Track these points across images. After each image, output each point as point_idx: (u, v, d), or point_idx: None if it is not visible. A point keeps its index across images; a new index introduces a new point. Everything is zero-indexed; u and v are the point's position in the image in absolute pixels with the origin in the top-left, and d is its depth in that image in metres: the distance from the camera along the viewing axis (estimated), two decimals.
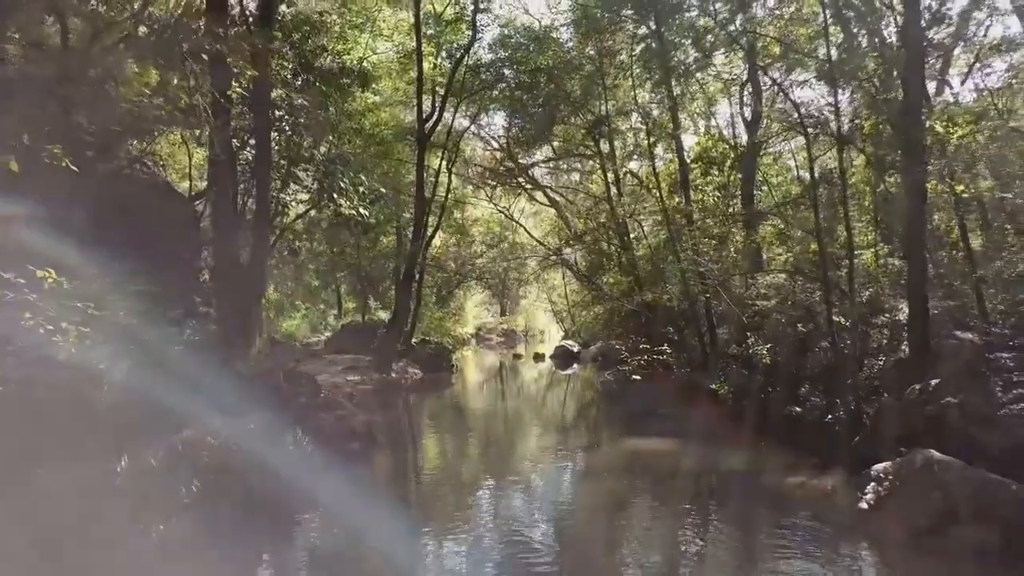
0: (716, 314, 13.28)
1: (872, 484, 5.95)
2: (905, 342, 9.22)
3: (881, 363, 9.83)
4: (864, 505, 5.85)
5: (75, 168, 6.07)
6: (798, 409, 9.51)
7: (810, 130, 10.59)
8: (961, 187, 8.34)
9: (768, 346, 10.60)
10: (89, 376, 5.70)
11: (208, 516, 5.67)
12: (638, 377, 14.00)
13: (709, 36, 14.48)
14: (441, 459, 9.93)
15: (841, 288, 9.52)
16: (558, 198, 32.06)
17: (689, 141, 22.64)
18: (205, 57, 8.90)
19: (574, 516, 6.97)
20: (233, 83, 8.87)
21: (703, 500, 7.48)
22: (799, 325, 11.03)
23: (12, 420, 4.99)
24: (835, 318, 9.27)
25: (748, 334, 11.29)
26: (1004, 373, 6.27)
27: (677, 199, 15.40)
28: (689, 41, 14.56)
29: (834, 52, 10.23)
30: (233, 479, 6.30)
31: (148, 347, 6.77)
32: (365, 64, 16.42)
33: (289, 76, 11.35)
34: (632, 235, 18.86)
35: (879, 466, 6.10)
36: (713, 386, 11.00)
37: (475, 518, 6.78)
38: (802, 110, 10.58)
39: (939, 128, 8.89)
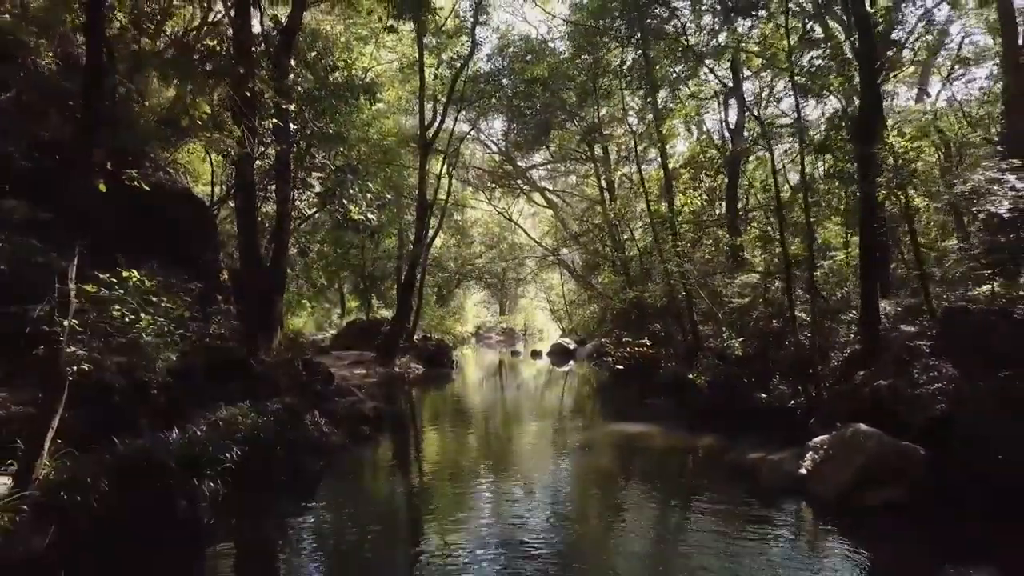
0: (699, 311, 14.30)
1: (810, 453, 6.98)
2: None
3: (845, 354, 10.87)
4: (803, 471, 6.87)
5: (113, 175, 6.97)
6: (764, 396, 10.50)
7: (772, 142, 11.65)
8: (903, 197, 9.32)
9: (740, 340, 11.61)
10: (145, 361, 6.71)
11: (246, 478, 6.73)
12: (621, 367, 15.03)
13: (691, 53, 15.47)
14: (441, 439, 10.97)
15: (801, 287, 10.53)
16: (556, 200, 33.15)
17: (682, 146, 23.78)
18: (228, 80, 9.94)
19: (555, 477, 8.00)
20: (256, 104, 9.86)
21: (669, 470, 8.60)
22: (774, 321, 12.06)
23: (88, 397, 6.01)
24: (798, 314, 10.28)
25: (723, 329, 12.30)
26: (923, 359, 7.29)
27: (663, 203, 16.40)
28: (671, 60, 15.56)
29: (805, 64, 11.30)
30: (263, 450, 7.34)
31: (189, 338, 7.77)
32: (371, 74, 17.46)
33: (303, 91, 12.36)
34: (624, 236, 19.86)
35: (817, 439, 7.13)
36: (691, 376, 12.02)
37: (471, 483, 7.81)
38: (768, 125, 11.63)
39: (892, 141, 9.91)
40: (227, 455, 6.52)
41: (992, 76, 16.44)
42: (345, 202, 11.98)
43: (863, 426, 6.72)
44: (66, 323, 4.97)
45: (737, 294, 12.37)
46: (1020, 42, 11.25)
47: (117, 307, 5.74)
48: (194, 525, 5.88)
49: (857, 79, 10.01)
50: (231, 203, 15.21)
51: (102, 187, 5.34)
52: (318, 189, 12.62)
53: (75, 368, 5.21)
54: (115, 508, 5.42)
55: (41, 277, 6.32)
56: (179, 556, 5.50)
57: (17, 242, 5.42)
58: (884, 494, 6.15)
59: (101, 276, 5.66)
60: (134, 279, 5.97)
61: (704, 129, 22.72)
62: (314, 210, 16.81)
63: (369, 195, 13.18)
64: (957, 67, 17.57)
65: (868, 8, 9.76)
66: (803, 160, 10.39)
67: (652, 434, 10.47)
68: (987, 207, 7.17)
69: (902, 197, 9.20)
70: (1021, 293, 7.48)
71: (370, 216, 13.26)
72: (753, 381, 11.58)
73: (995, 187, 7.23)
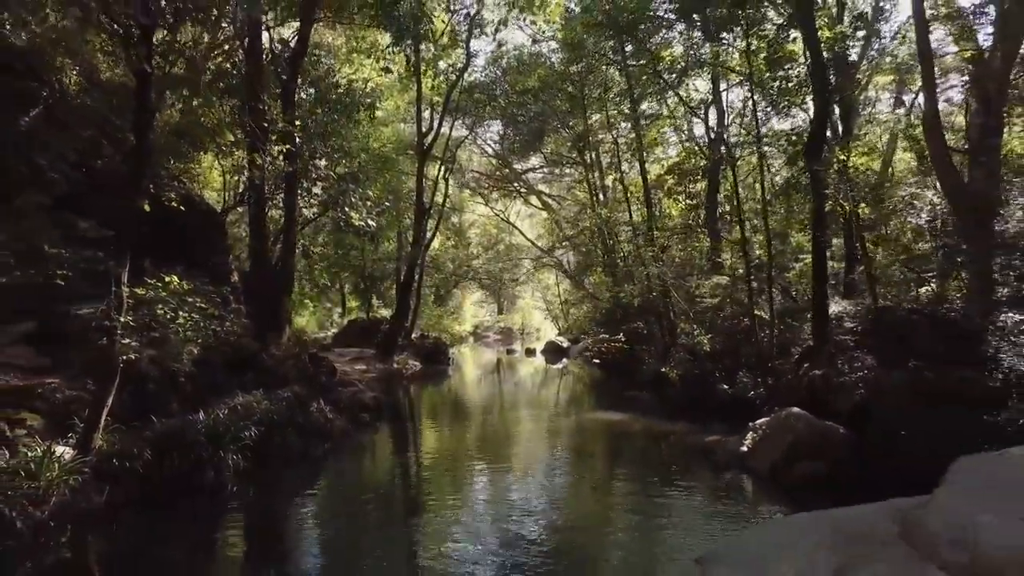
0: (676, 310, 15.34)
1: (751, 434, 8.03)
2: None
3: (802, 349, 11.92)
4: (744, 449, 7.92)
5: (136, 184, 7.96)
6: (726, 387, 11.54)
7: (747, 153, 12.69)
8: (848, 207, 10.36)
9: (708, 336, 12.66)
10: (174, 353, 7.76)
11: (261, 455, 7.78)
12: (597, 361, 16.07)
13: (674, 67, 16.49)
14: (435, 426, 12.03)
15: (776, 288, 11.58)
16: (551, 202, 34.17)
17: (673, 151, 24.78)
18: (238, 100, 10.99)
19: (535, 456, 9.05)
20: (264, 119, 10.91)
21: (636, 450, 9.71)
22: (744, 319, 13.10)
23: (129, 383, 7.06)
24: (757, 313, 11.33)
25: (695, 327, 13.35)
26: (848, 352, 8.33)
27: (644, 209, 17.42)
28: (650, 79, 16.60)
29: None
30: (276, 432, 8.40)
31: (211, 333, 8.81)
32: (371, 84, 18.51)
33: (308, 107, 13.41)
34: (610, 240, 20.89)
35: (758, 421, 8.18)
36: (664, 370, 13.07)
37: (460, 461, 8.87)
38: (746, 135, 12.66)
39: (842, 156, 10.95)
40: (245, 434, 7.57)
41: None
42: (347, 209, 13.02)
43: (796, 409, 7.77)
44: (120, 320, 6.01)
45: (708, 295, 13.43)
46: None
47: (160, 307, 6.80)
48: (220, 490, 6.94)
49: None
50: (238, 209, 16.28)
51: (146, 207, 6.39)
52: (322, 197, 13.67)
53: (124, 357, 6.26)
54: (155, 475, 6.49)
55: (86, 281, 7.40)
56: (207, 514, 6.56)
57: (87, 255, 6.47)
58: (808, 468, 7.19)
59: (148, 280, 6.72)
60: (174, 283, 7.03)
61: (691, 136, 23.76)
62: (316, 212, 17.86)
63: (369, 202, 14.20)
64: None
65: (818, 36, 10.79)
66: (763, 174, 11.44)
67: (627, 422, 11.51)
68: (910, 219, 8.19)
69: (847, 207, 10.22)
70: (955, 295, 8.53)
71: (370, 222, 14.29)
72: (722, 375, 12.64)
73: (916, 201, 8.25)
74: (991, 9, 10.69)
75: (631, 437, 10.59)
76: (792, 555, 2.32)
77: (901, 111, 21.00)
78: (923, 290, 10.22)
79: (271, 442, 8.11)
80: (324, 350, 19.89)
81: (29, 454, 5.68)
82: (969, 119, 13.24)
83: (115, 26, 5.98)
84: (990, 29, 10.65)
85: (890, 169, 15.51)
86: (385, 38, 15.79)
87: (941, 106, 16.35)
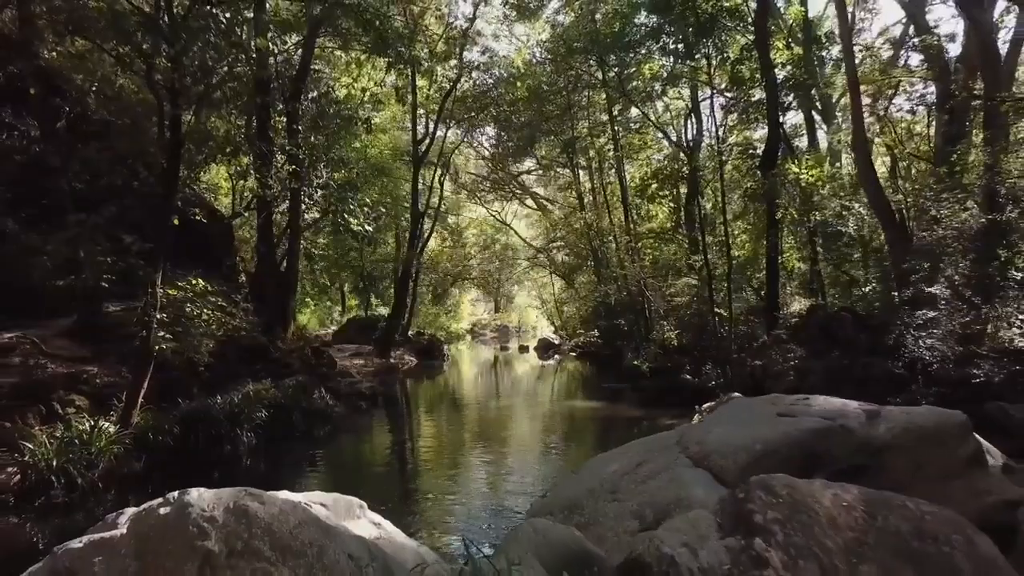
0: (651, 308, 16.52)
1: (697, 416, 9.18)
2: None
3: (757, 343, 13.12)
4: None
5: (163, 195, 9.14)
6: (689, 378, 12.70)
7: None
8: (795, 214, 11.54)
9: (677, 332, 13.83)
10: (195, 345, 8.94)
11: (270, 434, 8.97)
12: (573, 353, 17.24)
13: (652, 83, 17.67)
14: (427, 412, 13.23)
15: (714, 288, 12.76)
16: (545, 203, 35.25)
17: (660, 156, 25.91)
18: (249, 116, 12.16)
19: (511, 431, 10.24)
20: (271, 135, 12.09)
21: (597, 429, 10.90)
22: (711, 317, 14.27)
23: (157, 370, 8.25)
24: (717, 311, 12.50)
25: (664, 323, 14.52)
26: (782, 345, 9.51)
27: (623, 213, 18.57)
28: (622, 94, 17.78)
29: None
30: (283, 413, 9.58)
31: (225, 328, 9.99)
32: (368, 94, 19.67)
33: (310, 121, 14.57)
34: (595, 241, 22.04)
35: (704, 405, 9.34)
36: (636, 362, 14.25)
37: (447, 437, 10.05)
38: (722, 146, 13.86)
39: (794, 170, 12.11)
40: (257, 415, 8.75)
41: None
42: (346, 216, 14.18)
43: (736, 394, 8.93)
44: (156, 316, 7.19)
45: (679, 294, 14.60)
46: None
47: (189, 305, 7.98)
48: (236, 462, 8.13)
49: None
50: (245, 213, 17.47)
51: (176, 221, 7.57)
52: (323, 206, 14.84)
53: (157, 347, 7.44)
54: (182, 447, 7.67)
55: (117, 284, 8.57)
56: (225, 481, 7.70)
57: (131, 262, 7.65)
58: None
59: (180, 283, 7.91)
60: (199, 285, 8.21)
61: (673, 142, 24.91)
62: (316, 216, 19.04)
63: (367, 208, 15.37)
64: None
65: (771, 61, 11.96)
66: (722, 184, 12.59)
67: (598, 408, 12.70)
68: (838, 227, 9.35)
69: (794, 214, 11.39)
70: (903, 297, 9.63)
71: (367, 227, 15.46)
72: (691, 367, 13.81)
73: (844, 212, 9.41)
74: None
75: (598, 420, 11.76)
76: (618, 461, 3.51)
77: (846, 125, 22.23)
78: (866, 289, 11.41)
79: (279, 423, 9.29)
80: (325, 346, 20.99)
81: (80, 428, 6.85)
82: (936, 128, 14.43)
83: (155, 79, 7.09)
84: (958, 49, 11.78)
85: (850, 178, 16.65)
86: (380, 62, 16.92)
87: (908, 116, 17.49)
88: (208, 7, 6.98)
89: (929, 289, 7.76)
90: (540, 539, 2.22)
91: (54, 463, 6.10)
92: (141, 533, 2.20)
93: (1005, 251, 9.01)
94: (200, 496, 2.29)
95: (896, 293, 8.63)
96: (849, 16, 14.52)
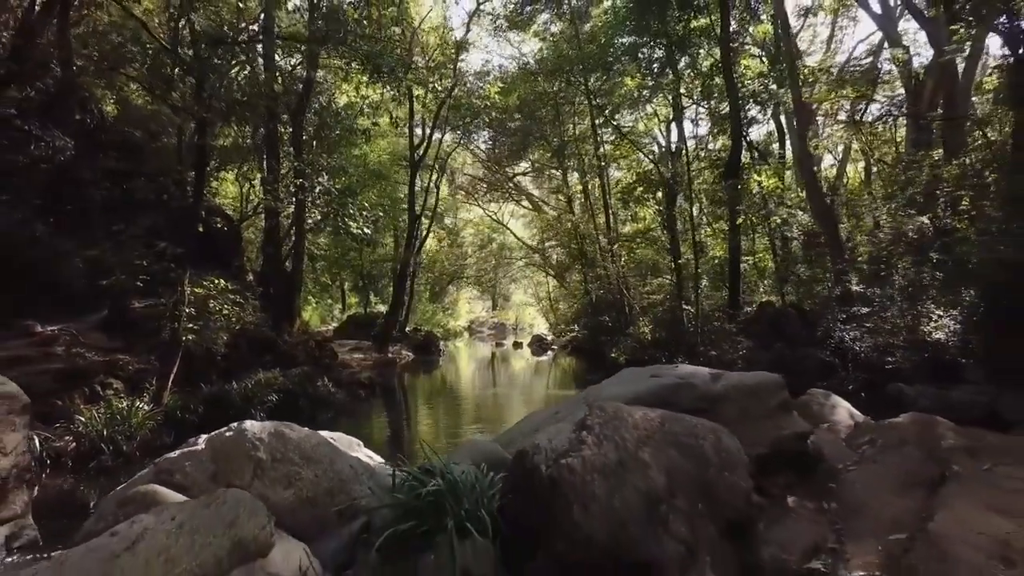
0: (630, 305, 17.71)
1: None
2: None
3: None
4: None
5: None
6: None
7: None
8: (754, 219, 12.70)
9: (651, 328, 15.01)
10: (212, 337, 10.11)
11: (279, 417, 10.14)
12: (555, 348, 18.42)
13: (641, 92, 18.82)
14: (422, 399, 14.41)
15: (686, 286, 13.93)
16: (540, 204, 36.39)
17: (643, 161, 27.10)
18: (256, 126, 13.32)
19: (495, 413, 11.40)
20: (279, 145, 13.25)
21: None
22: (682, 313, 15.46)
23: (181, 358, 9.43)
24: (686, 308, 13.68)
25: (641, 320, 15.71)
26: (733, 338, 10.68)
27: (605, 216, 19.74)
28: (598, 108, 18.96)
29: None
30: (291, 399, 10.76)
31: (238, 322, 11.16)
32: (367, 101, 20.83)
33: (312, 130, 15.74)
34: (582, 242, 23.24)
35: None
36: (613, 354, 15.44)
37: (440, 416, 11.22)
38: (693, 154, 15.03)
39: (756, 178, 13.28)
40: (268, 400, 9.93)
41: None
42: (346, 220, 15.36)
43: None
44: (184, 311, 8.37)
45: (654, 292, 15.79)
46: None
47: (212, 302, 9.16)
48: None
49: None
50: (251, 215, 18.66)
51: (200, 229, 8.72)
52: (324, 210, 16.02)
53: (184, 338, 8.63)
54: (205, 424, 8.84)
55: (144, 282, 9.74)
56: None
57: (163, 265, 8.85)
58: None
59: (204, 282, 9.10)
60: (220, 284, 9.39)
61: (652, 151, 26.09)
62: (319, 218, 20.24)
63: (365, 212, 16.56)
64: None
65: (734, 79, 13.11)
66: (690, 189, 13.75)
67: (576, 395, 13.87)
68: (786, 232, 10.51)
69: (753, 219, 12.56)
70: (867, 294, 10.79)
71: (366, 230, 16.64)
72: (664, 360, 14.99)
73: (792, 220, 10.58)
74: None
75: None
76: (544, 413, 4.71)
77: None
78: (818, 288, 12.59)
79: (287, 407, 10.46)
80: (326, 341, 22.30)
81: (119, 406, 8.02)
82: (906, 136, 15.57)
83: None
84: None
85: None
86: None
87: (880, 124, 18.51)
88: (230, 44, 8.12)
89: (854, 288, 8.92)
90: (474, 449, 3.40)
91: (104, 432, 7.28)
92: (215, 447, 3.39)
93: (937, 254, 10.19)
94: (252, 425, 3.48)
95: (827, 291, 9.80)
96: (797, 38, 15.72)
